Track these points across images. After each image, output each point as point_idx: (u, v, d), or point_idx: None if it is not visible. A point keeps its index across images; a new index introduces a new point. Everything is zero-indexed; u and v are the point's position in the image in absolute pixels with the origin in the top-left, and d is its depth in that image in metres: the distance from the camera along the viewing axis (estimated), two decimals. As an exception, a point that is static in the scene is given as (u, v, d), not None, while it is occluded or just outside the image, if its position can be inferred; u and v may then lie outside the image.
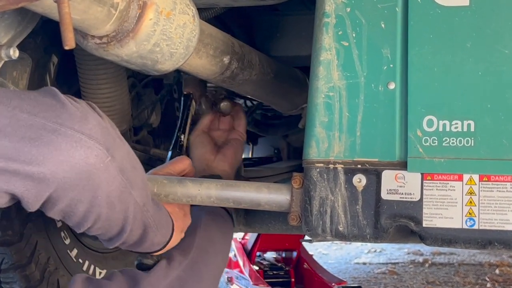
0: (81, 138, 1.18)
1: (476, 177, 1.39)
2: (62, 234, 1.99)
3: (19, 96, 1.18)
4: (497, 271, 3.84)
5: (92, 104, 1.26)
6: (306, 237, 1.52)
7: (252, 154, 3.15)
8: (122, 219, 1.32)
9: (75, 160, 1.18)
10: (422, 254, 4.35)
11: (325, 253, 4.61)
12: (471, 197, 1.40)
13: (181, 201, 1.54)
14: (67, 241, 2.01)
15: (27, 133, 1.15)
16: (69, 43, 1.06)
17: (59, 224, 1.98)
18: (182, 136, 1.79)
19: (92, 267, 2.10)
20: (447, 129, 1.40)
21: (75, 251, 2.03)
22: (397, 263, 4.22)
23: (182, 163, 1.64)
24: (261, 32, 2.15)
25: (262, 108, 2.52)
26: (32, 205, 1.20)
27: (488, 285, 3.59)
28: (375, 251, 4.55)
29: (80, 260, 2.05)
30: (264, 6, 1.87)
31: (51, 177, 1.17)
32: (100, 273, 2.12)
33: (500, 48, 1.39)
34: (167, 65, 1.41)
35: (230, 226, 1.74)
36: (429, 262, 4.16)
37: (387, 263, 4.22)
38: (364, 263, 4.27)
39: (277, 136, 2.86)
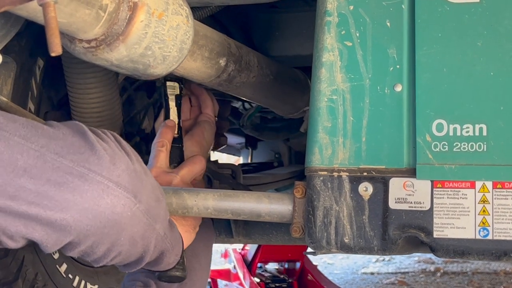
0: (108, 186, 1.19)
1: (489, 184, 1.40)
2: (51, 249, 1.99)
3: (48, 135, 1.18)
4: (513, 280, 3.84)
5: (118, 137, 1.27)
6: (310, 249, 1.52)
7: (251, 159, 3.15)
8: (142, 252, 1.34)
9: (100, 209, 1.19)
10: (433, 263, 4.35)
11: (330, 262, 4.61)
12: (484, 206, 1.40)
13: (177, 213, 1.54)
14: (56, 256, 2.00)
15: (53, 176, 1.15)
16: (55, 49, 1.06)
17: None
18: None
19: (82, 282, 2.10)
20: (458, 133, 1.41)
21: (64, 266, 2.03)
22: (407, 272, 4.21)
23: (201, 164, 1.69)
24: (259, 31, 2.15)
25: (262, 111, 2.52)
26: (49, 249, 1.21)
27: (504, 295, 3.59)
28: (383, 260, 4.55)
29: (70, 276, 2.05)
30: (262, 4, 1.88)
31: (73, 224, 1.18)
32: (91, 289, 2.12)
33: (513, 46, 1.39)
34: (159, 69, 1.41)
35: (212, 233, 1.76)
36: (441, 271, 4.16)
37: (396, 273, 4.22)
38: (372, 273, 4.27)
39: (277, 140, 2.86)
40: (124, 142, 1.28)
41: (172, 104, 1.80)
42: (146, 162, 2.09)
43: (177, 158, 1.74)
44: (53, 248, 1.22)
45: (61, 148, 1.17)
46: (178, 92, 1.80)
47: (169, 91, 1.80)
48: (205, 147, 1.83)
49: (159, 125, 1.77)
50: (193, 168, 1.68)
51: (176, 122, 1.78)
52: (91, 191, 1.18)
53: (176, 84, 1.80)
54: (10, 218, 1.16)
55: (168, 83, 1.79)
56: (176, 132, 1.76)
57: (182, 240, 1.51)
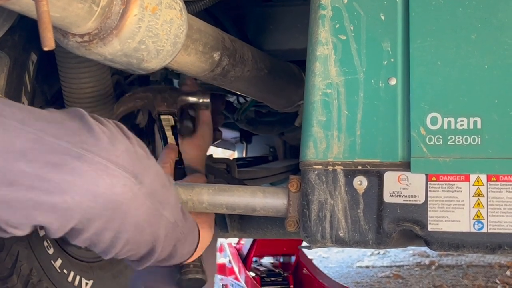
0: (107, 166, 1.18)
1: (484, 178, 1.40)
2: (45, 244, 1.98)
3: (45, 119, 1.17)
4: (507, 273, 3.85)
5: (119, 124, 1.26)
6: (305, 243, 1.52)
7: (246, 154, 3.15)
8: (152, 240, 1.32)
9: (100, 189, 1.17)
10: (428, 256, 4.36)
11: (325, 256, 4.62)
12: (479, 199, 1.40)
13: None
14: (51, 251, 2.00)
15: (50, 159, 1.14)
16: (48, 43, 1.06)
17: (41, 233, 1.97)
18: None
19: (77, 277, 2.09)
20: (452, 126, 1.41)
21: (59, 261, 2.03)
22: (402, 266, 4.22)
23: (174, 151, 1.73)
24: (253, 25, 2.15)
25: (256, 105, 2.52)
26: (55, 234, 1.20)
27: (499, 287, 3.60)
28: (378, 253, 4.55)
29: (65, 271, 2.05)
30: (256, -3, 1.88)
31: (74, 207, 1.16)
32: (86, 284, 2.12)
33: (508, 39, 1.39)
34: (153, 64, 1.40)
35: (214, 230, 1.74)
36: (436, 264, 4.17)
37: (391, 266, 4.22)
38: (367, 267, 4.28)
39: (272, 134, 2.86)
40: (125, 128, 1.27)
41: (168, 133, 1.83)
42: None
43: (180, 178, 1.76)
44: (59, 233, 1.20)
45: (58, 131, 1.16)
46: (173, 124, 1.83)
47: (164, 123, 1.83)
48: (205, 150, 1.85)
49: (159, 153, 1.80)
50: None
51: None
52: (90, 172, 1.16)
53: (170, 117, 1.83)
54: (11, 208, 1.15)
55: (162, 117, 1.82)
56: (177, 155, 1.81)
57: (199, 229, 1.49)
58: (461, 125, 1.40)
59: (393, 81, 1.44)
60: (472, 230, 1.39)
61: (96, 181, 1.16)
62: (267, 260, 3.34)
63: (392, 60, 1.44)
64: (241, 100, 2.55)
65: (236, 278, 3.10)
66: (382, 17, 1.44)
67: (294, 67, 2.11)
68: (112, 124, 1.24)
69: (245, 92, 2.00)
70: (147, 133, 2.32)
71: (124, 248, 1.29)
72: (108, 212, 1.20)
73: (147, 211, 1.26)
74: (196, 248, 1.49)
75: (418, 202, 1.42)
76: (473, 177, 1.40)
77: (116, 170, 1.19)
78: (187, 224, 1.43)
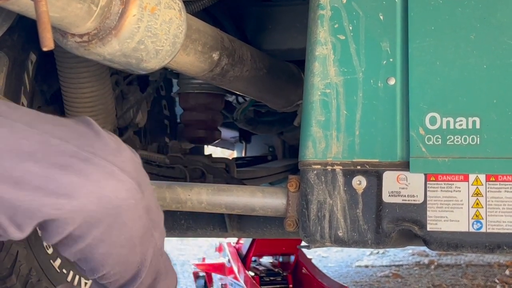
0: (113, 170, 1.18)
1: (482, 177, 1.40)
2: (44, 244, 1.99)
3: (52, 122, 1.18)
4: (507, 272, 3.85)
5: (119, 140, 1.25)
6: (304, 243, 1.53)
7: (245, 153, 3.15)
8: (139, 263, 1.30)
9: (105, 192, 1.17)
10: (427, 255, 4.36)
11: (324, 256, 4.62)
12: (477, 199, 1.40)
13: (171, 207, 1.54)
14: (50, 251, 2.00)
15: (58, 160, 1.15)
16: (47, 43, 1.06)
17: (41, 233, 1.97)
18: None
19: (76, 277, 2.09)
20: (451, 126, 1.41)
21: (58, 261, 2.03)
22: (401, 265, 4.22)
23: None
24: (252, 25, 2.15)
25: (255, 105, 2.52)
26: (52, 238, 1.20)
27: (498, 287, 3.60)
28: (377, 252, 4.56)
29: (64, 271, 2.05)
30: (255, -3, 1.88)
31: (78, 208, 1.16)
32: (85, 283, 2.12)
33: (506, 39, 1.39)
34: (152, 64, 1.41)
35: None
36: (435, 263, 4.17)
37: (390, 266, 4.22)
38: (366, 266, 4.28)
39: (271, 134, 2.86)
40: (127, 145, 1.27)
41: None
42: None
43: None
44: (57, 236, 1.19)
45: (66, 134, 1.17)
46: None
47: None
48: None
49: None
50: None
51: None
52: (96, 174, 1.16)
53: None
54: (17, 207, 1.15)
55: None
56: None
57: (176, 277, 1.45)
58: (460, 125, 1.40)
59: (392, 81, 1.44)
60: (471, 229, 1.39)
61: (101, 184, 1.17)
62: (266, 260, 3.33)
63: (391, 60, 1.44)
64: (240, 99, 2.56)
65: (235, 278, 3.10)
66: (381, 17, 1.45)
67: (293, 67, 2.12)
68: (116, 136, 1.25)
69: (244, 92, 2.00)
70: (146, 134, 2.32)
71: (114, 269, 1.27)
72: (109, 219, 1.20)
73: (142, 226, 1.26)
74: None
75: (417, 202, 1.42)
76: (472, 177, 1.40)
77: (122, 175, 1.19)
78: (168, 261, 1.41)
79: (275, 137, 2.98)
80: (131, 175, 1.20)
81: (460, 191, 1.40)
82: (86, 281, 2.12)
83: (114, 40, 1.30)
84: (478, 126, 1.39)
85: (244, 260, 3.20)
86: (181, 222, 2.10)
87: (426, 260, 4.27)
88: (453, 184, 1.41)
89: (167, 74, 2.28)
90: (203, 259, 3.26)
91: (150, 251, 1.31)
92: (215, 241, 3.42)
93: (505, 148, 1.38)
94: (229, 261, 3.18)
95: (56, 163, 1.15)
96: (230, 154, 3.94)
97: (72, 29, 1.28)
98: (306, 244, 1.50)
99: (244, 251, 3.24)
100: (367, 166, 1.44)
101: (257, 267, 3.26)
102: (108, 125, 1.95)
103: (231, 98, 2.58)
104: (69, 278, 2.07)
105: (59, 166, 1.15)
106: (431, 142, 1.41)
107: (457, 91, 1.41)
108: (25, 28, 1.72)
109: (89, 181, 1.16)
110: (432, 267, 4.13)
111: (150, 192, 1.27)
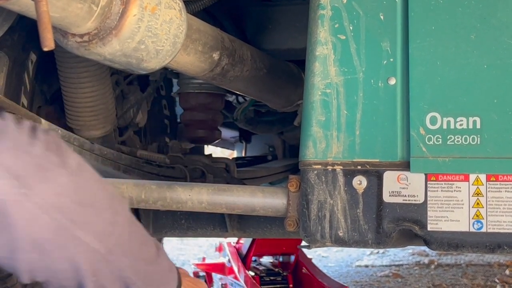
0: None
1: (483, 177, 1.40)
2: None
3: None
4: (507, 272, 3.85)
5: (36, 125, 1.11)
6: (304, 243, 1.53)
7: (245, 153, 3.15)
8: (71, 270, 1.12)
9: None
10: (427, 255, 4.36)
11: (325, 255, 4.62)
12: (478, 198, 1.40)
13: (171, 207, 1.54)
14: (50, 251, 2.00)
15: None
16: (48, 43, 1.06)
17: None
18: None
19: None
20: (452, 126, 1.41)
21: (58, 261, 2.02)
22: (401, 265, 4.22)
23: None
24: (252, 24, 2.15)
25: (255, 105, 2.52)
26: None
27: (498, 287, 3.60)
28: (377, 252, 4.56)
29: (64, 271, 2.04)
30: (255, -3, 1.88)
31: None
32: (85, 283, 2.12)
33: (507, 39, 1.39)
34: (153, 64, 1.41)
35: None
36: (435, 263, 4.17)
37: (390, 266, 4.22)
38: (367, 266, 4.28)
39: (271, 133, 2.86)
40: (38, 127, 1.11)
41: None
42: (136, 161, 2.07)
43: None
44: None
45: None
46: None
47: None
48: None
49: None
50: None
51: None
52: None
53: None
54: None
55: None
56: None
57: (179, 277, 1.29)
58: (461, 124, 1.40)
59: (392, 81, 1.44)
60: (472, 229, 1.39)
61: None
62: (266, 260, 3.33)
63: (392, 60, 1.44)
64: (240, 99, 2.56)
65: (236, 278, 3.10)
66: (382, 17, 1.45)
67: (293, 67, 2.12)
68: (29, 124, 1.10)
69: (244, 92, 2.00)
70: (146, 133, 2.32)
71: (41, 277, 1.12)
72: None
73: (47, 228, 1.08)
74: None
75: (418, 202, 1.42)
76: (472, 177, 1.40)
77: None
78: (153, 269, 1.22)
79: (275, 137, 2.98)
80: (9, 169, 1.03)
81: (460, 191, 1.40)
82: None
83: (114, 40, 1.30)
84: (478, 126, 1.39)
85: (244, 260, 3.19)
86: (182, 222, 2.10)
87: (426, 260, 4.27)
88: (454, 184, 1.41)
89: (167, 74, 2.28)
90: (203, 258, 3.26)
91: (81, 258, 1.11)
92: (215, 241, 3.42)
93: (506, 148, 1.38)
94: (229, 261, 3.18)
95: None
96: (230, 154, 3.94)
97: (73, 29, 1.29)
98: (307, 244, 1.50)
99: (244, 251, 3.24)
100: (368, 166, 1.44)
101: (257, 267, 3.26)
102: (108, 125, 1.95)
103: (231, 98, 2.58)
104: (69, 278, 2.06)
105: None
106: (431, 142, 1.41)
107: (458, 91, 1.41)
108: (26, 28, 1.72)
109: None
110: (432, 267, 4.13)
111: (62, 189, 1.08)
